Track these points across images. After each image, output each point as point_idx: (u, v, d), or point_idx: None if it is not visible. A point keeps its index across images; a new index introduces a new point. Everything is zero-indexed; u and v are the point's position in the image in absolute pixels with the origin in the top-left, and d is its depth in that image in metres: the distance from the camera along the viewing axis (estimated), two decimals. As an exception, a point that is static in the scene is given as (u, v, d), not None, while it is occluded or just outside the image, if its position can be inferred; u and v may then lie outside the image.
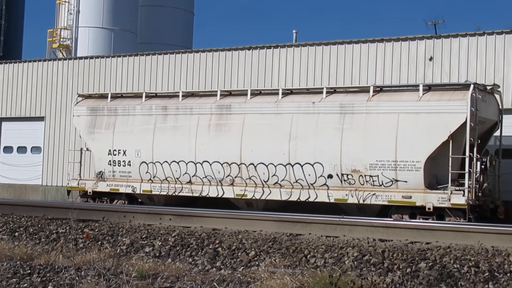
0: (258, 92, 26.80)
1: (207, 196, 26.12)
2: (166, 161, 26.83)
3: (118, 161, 27.91)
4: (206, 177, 26.10)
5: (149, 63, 35.27)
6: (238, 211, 23.16)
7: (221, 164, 25.84)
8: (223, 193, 25.83)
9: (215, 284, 13.48)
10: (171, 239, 17.74)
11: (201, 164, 26.16)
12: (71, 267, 14.95)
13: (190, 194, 26.42)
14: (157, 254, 16.78)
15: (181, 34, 54.21)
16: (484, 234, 16.48)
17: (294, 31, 37.03)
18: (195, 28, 64.47)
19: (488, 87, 23.95)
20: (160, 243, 17.49)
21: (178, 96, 27.65)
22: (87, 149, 29.67)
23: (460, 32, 28.35)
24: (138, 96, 28.85)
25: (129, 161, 27.66)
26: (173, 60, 34.66)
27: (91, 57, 37.87)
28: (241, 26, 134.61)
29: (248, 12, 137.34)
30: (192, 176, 26.36)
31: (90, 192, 28.42)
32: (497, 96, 24.47)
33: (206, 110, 26.54)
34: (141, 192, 27.38)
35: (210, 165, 26.00)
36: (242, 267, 15.32)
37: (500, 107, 24.49)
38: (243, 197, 25.47)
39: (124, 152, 27.79)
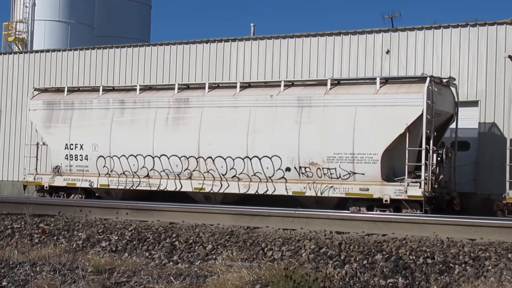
0: (216, 85, 26.75)
1: (165, 190, 26.04)
2: (124, 155, 26.69)
3: (75, 155, 27.69)
4: (164, 170, 26.01)
5: (106, 56, 34.99)
6: (195, 204, 23.14)
7: (179, 158, 25.77)
8: (181, 186, 25.77)
9: (171, 278, 13.44)
10: (127, 234, 17.65)
11: (159, 157, 26.08)
12: (26, 262, 14.79)
13: (148, 188, 26.32)
14: (114, 249, 16.69)
15: (138, 27, 53.92)
16: (439, 226, 16.61)
17: (252, 24, 37.14)
18: (153, 22, 64.19)
19: (444, 80, 24.16)
20: (116, 238, 17.39)
21: (135, 89, 27.50)
22: (44, 144, 29.40)
23: (416, 26, 28.52)
24: (95, 90, 28.65)
25: (86, 155, 27.47)
26: (130, 53, 34.42)
27: (47, 51, 37.45)
28: (198, 20, 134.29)
29: (206, 6, 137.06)
30: (150, 170, 26.26)
31: (46, 187, 28.19)
32: (453, 89, 24.71)
33: (164, 103, 26.44)
34: (98, 187, 27.22)
35: (168, 158, 25.92)
36: (199, 261, 15.31)
37: (456, 99, 24.72)
38: (201, 191, 25.43)
39: (81, 146, 27.59)
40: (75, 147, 27.69)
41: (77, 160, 27.62)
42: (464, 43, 27.49)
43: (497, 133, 26.42)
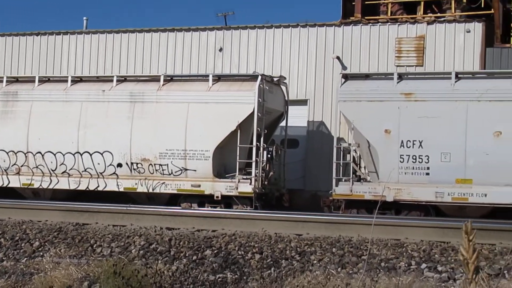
0: (47, 79, 26.19)
1: (-9, 186, 25.23)
2: None
3: None
4: (-11, 166, 25.19)
5: None
6: (22, 200, 22.60)
7: (7, 153, 25.02)
8: (9, 182, 25.03)
9: (-4, 276, 13.08)
10: (-51, 231, 17.02)
11: (-15, 153, 25.22)
12: None
13: (-27, 184, 25.40)
14: None
15: (-35, 16, 51.93)
16: (268, 221, 17.01)
17: (84, 18, 36.34)
18: (-19, 11, 61.84)
19: (275, 79, 24.66)
20: None
21: (-40, 81, 26.48)
22: None
23: (249, 25, 29.00)
24: None
25: None
26: (-44, 43, 33.11)
27: None
28: (29, 11, 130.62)
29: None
30: (-25, 165, 25.35)
31: None
32: (283, 88, 25.22)
33: (-9, 96, 25.60)
34: None
35: (-5, 154, 25.13)
36: (25, 258, 14.99)
37: (286, 98, 25.25)
38: (29, 187, 24.80)
39: None
40: None
41: None
42: (294, 43, 28.19)
43: (325, 131, 27.26)
